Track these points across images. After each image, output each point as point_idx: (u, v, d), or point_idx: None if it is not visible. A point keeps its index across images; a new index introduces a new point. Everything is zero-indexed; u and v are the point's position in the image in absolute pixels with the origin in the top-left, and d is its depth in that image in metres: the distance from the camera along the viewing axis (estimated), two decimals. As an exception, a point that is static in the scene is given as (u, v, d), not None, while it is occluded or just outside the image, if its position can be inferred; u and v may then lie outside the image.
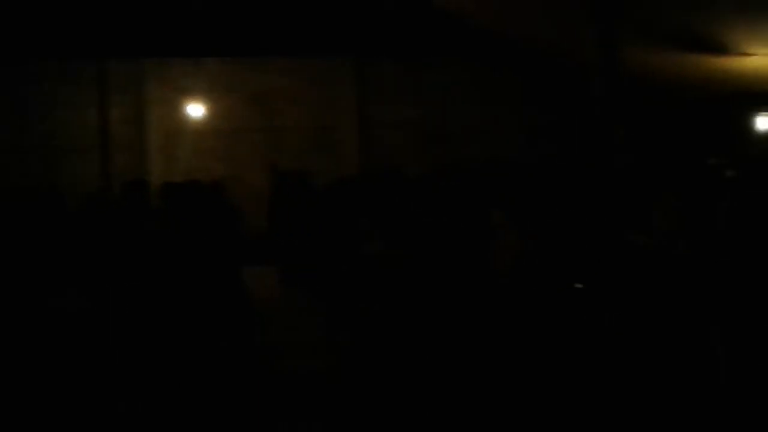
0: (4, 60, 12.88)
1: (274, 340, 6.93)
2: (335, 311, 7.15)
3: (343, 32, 13.62)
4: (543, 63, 14.09)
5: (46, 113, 13.54)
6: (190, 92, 14.03)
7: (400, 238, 6.15)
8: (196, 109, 14.12)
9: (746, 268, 4.18)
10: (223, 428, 4.67)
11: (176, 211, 7.09)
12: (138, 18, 13.06)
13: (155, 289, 5.49)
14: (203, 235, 6.26)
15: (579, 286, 4.77)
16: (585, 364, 4.37)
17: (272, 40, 13.54)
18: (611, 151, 6.86)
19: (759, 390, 3.82)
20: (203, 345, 5.39)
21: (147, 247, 6.01)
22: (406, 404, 4.71)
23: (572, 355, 4.44)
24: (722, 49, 10.49)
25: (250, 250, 9.19)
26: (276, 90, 14.27)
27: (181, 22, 13.23)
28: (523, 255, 4.87)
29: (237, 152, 14.23)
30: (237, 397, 5.08)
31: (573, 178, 8.63)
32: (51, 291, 5.30)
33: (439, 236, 5.69)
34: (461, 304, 4.98)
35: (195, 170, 12.55)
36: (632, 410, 4.04)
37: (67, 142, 13.58)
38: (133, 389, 4.97)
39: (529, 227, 5.07)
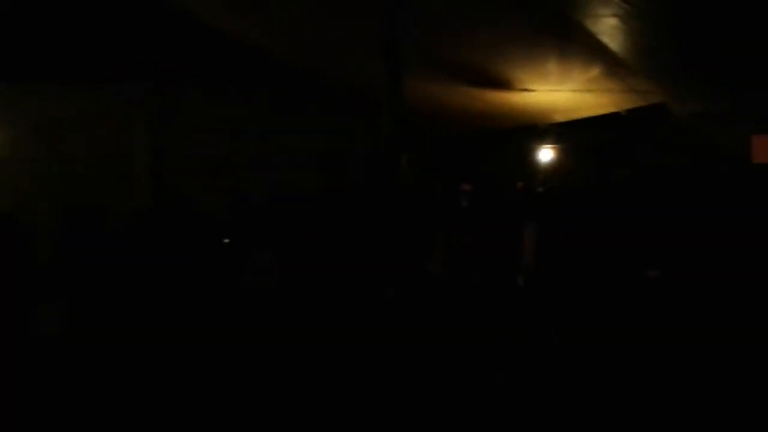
0: None
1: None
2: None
3: (137, 58, 13.09)
4: (337, 94, 14.21)
5: None
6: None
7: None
8: (-27, 139, 13.03)
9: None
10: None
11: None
12: None
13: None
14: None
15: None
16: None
17: (59, 65, 12.78)
18: (397, 181, 6.99)
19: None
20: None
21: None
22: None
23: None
24: (507, 85, 11.05)
25: (38, 283, 8.62)
26: (63, 118, 13.47)
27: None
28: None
29: (21, 183, 13.28)
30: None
31: (359, 209, 8.76)
32: None
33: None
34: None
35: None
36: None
37: None
38: None
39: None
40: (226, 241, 7.79)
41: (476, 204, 8.06)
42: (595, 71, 10.38)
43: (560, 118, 12.80)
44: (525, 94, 11.24)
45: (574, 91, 11.10)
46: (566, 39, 9.49)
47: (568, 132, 13.64)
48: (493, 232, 6.63)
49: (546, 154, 13.70)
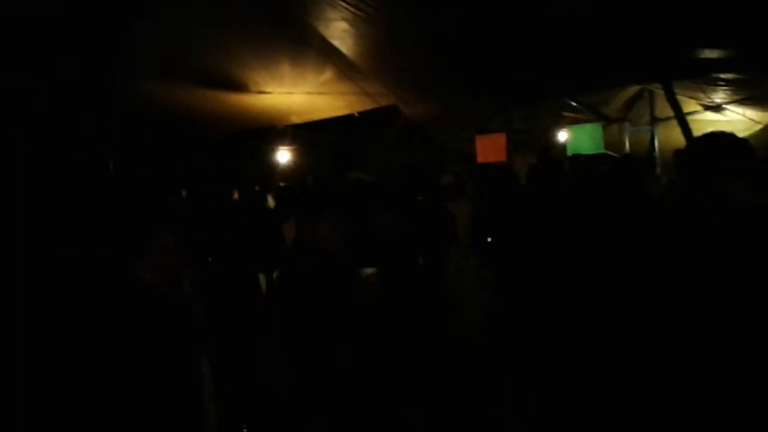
0: None
1: None
2: None
3: None
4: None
5: None
6: None
7: None
8: None
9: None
10: None
11: None
12: None
13: None
14: None
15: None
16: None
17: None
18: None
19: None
20: None
21: None
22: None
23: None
24: (244, 88, 11.07)
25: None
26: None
27: None
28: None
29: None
30: None
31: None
32: None
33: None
34: None
35: None
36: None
37: None
38: None
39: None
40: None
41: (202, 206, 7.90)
42: (328, 74, 10.68)
43: (297, 120, 13.04)
44: (262, 96, 11.32)
45: (308, 93, 11.34)
46: (299, 42, 9.69)
47: (305, 133, 13.94)
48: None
49: (284, 156, 13.91)
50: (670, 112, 11.58)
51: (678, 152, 3.83)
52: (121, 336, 3.19)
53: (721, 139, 3.46)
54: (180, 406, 3.34)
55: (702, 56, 8.63)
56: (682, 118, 9.85)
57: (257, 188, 11.75)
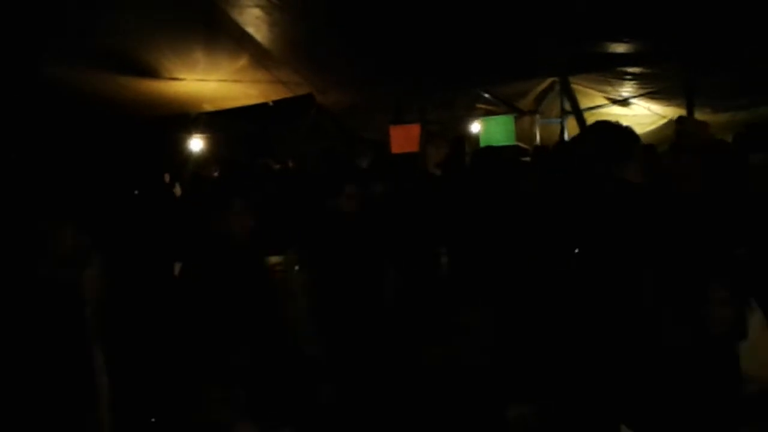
0: None
1: None
2: None
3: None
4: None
5: None
6: None
7: None
8: None
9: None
10: None
11: None
12: None
13: None
14: None
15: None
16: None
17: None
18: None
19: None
20: None
21: None
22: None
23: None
24: (155, 74, 10.82)
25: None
26: None
27: None
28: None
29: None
30: None
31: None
32: None
33: None
34: None
35: None
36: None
37: None
38: None
39: None
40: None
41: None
42: (242, 62, 10.53)
43: (210, 107, 12.83)
44: (174, 83, 11.09)
45: (222, 81, 11.18)
46: (212, 28, 9.53)
47: (219, 121, 13.72)
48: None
49: (196, 144, 13.67)
50: (581, 105, 11.88)
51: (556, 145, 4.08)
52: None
53: (609, 127, 3.69)
54: (60, 414, 3.08)
55: (606, 50, 8.86)
56: (578, 111, 10.13)
57: (167, 177, 11.54)
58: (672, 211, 3.60)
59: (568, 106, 11.96)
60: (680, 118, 7.08)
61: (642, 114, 12.01)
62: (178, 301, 3.87)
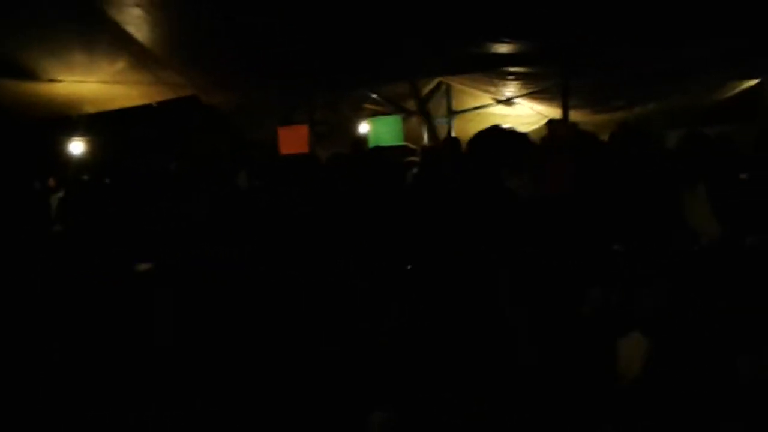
0: None
1: None
2: None
3: None
4: None
5: None
6: None
7: None
8: None
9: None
10: None
11: None
12: None
13: None
14: None
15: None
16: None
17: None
18: None
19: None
20: None
21: None
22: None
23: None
24: (32, 76, 10.45)
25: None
26: None
27: None
28: None
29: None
30: None
31: None
32: None
33: None
34: None
35: None
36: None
37: None
38: None
39: None
40: None
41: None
42: (122, 62, 10.27)
43: (91, 109, 12.44)
44: (52, 84, 10.73)
45: (103, 82, 10.87)
46: (92, 29, 9.26)
47: (101, 123, 13.33)
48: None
49: (78, 147, 13.23)
50: (466, 105, 12.14)
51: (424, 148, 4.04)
52: None
53: (502, 133, 3.56)
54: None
55: (489, 51, 9.08)
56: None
57: (52, 181, 11.14)
58: (535, 212, 3.61)
59: (454, 106, 12.22)
60: (551, 121, 7.33)
61: (526, 114, 12.35)
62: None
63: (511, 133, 3.65)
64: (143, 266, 4.10)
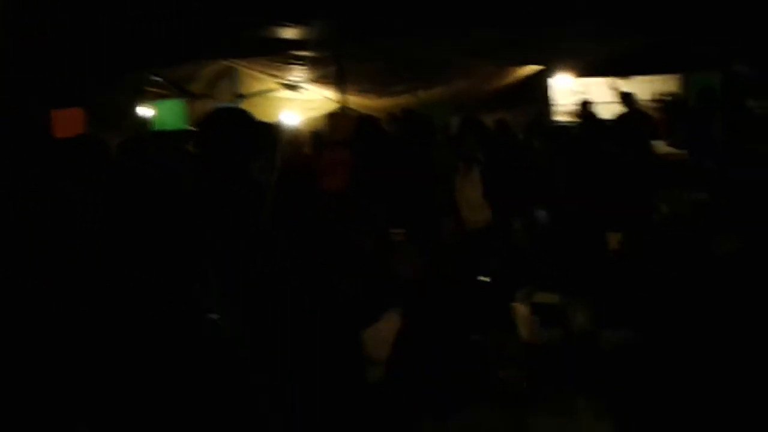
0: None
1: None
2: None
3: None
4: None
5: None
6: None
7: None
8: None
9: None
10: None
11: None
12: None
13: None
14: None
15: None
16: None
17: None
18: None
19: None
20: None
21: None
22: None
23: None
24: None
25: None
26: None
27: None
28: None
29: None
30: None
31: None
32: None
33: None
34: None
35: None
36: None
37: None
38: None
39: None
40: None
41: None
42: None
43: None
44: None
45: None
46: None
47: None
48: None
49: None
50: (253, 89, 11.91)
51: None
52: None
53: (234, 116, 3.10)
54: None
55: (273, 35, 8.94)
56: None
57: None
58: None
59: (242, 90, 11.95)
60: (331, 114, 7.27)
61: (314, 99, 12.29)
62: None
63: (245, 117, 3.07)
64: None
